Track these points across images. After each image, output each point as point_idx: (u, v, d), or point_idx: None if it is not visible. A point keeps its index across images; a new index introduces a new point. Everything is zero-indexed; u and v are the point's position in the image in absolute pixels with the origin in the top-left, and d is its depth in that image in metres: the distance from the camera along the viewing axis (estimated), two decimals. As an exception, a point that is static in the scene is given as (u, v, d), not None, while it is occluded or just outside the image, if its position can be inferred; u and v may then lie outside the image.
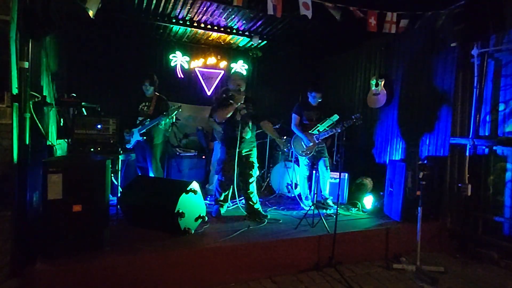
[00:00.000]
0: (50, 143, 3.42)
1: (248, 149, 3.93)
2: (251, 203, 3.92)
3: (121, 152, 3.69)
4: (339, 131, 4.19)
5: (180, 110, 4.20)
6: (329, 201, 4.52)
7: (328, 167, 4.54)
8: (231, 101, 3.70)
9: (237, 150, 3.77)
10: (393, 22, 3.82)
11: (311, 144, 4.40)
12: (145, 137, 4.28)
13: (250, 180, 3.92)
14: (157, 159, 4.40)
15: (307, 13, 3.49)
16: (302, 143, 4.48)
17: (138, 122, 4.35)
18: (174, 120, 4.46)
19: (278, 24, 5.10)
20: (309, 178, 4.59)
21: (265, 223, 3.71)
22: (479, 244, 3.74)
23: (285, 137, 5.38)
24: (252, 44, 5.92)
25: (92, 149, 3.50)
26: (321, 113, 4.54)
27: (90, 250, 2.70)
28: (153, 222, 3.32)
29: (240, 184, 3.97)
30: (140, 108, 4.40)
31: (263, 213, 3.93)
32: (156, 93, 4.46)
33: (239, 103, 3.71)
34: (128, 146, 4.39)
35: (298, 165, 5.06)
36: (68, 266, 2.51)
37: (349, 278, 3.10)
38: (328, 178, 4.58)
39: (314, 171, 4.44)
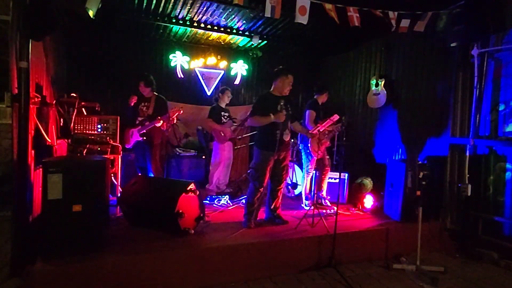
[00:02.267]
0: (50, 143, 3.42)
1: (285, 152, 3.71)
2: (275, 207, 3.77)
3: (122, 152, 3.69)
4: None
5: (181, 112, 4.21)
6: (326, 200, 4.50)
7: (328, 166, 4.50)
8: (272, 114, 3.44)
9: (275, 154, 3.52)
10: (394, 19, 3.81)
11: (322, 144, 4.28)
12: (144, 137, 4.28)
13: (282, 186, 3.78)
14: (156, 159, 4.40)
15: (302, 19, 3.47)
16: (317, 143, 4.27)
17: (137, 122, 4.35)
18: (175, 122, 4.45)
19: (278, 24, 5.10)
20: (312, 178, 4.55)
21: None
22: (479, 244, 3.74)
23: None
24: (252, 44, 5.91)
25: (91, 149, 3.49)
26: (324, 113, 4.42)
27: (90, 250, 2.70)
28: (153, 222, 3.32)
29: (271, 188, 3.75)
30: (140, 108, 4.40)
31: (283, 219, 3.78)
32: (155, 93, 4.46)
33: (280, 120, 3.44)
34: (128, 146, 4.40)
35: (299, 165, 5.06)
36: (68, 266, 2.51)
37: (349, 278, 3.10)
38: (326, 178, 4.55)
39: (314, 171, 4.43)
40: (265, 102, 3.62)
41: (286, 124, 3.62)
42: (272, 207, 3.77)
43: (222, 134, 4.96)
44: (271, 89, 3.71)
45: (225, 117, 5.05)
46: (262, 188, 3.58)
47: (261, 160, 3.57)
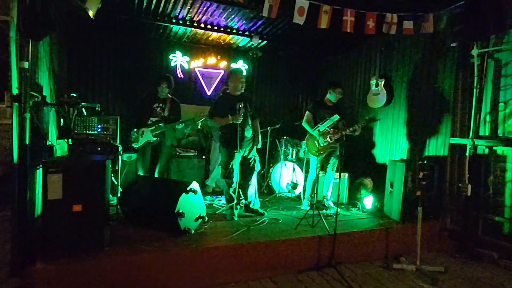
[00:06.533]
0: (50, 143, 3.42)
1: (249, 148, 3.94)
2: (246, 197, 4.02)
3: (122, 152, 3.68)
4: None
5: (206, 118, 4.24)
6: (330, 202, 4.49)
7: (334, 169, 4.45)
8: (230, 116, 3.69)
9: (240, 150, 3.77)
10: (393, 23, 3.82)
11: (326, 143, 4.27)
12: (157, 138, 4.28)
13: (251, 181, 3.98)
14: (165, 160, 4.41)
15: (299, 19, 3.48)
16: (316, 142, 4.25)
17: (150, 122, 4.32)
18: (199, 127, 4.50)
19: (278, 24, 5.09)
20: (317, 179, 4.49)
21: (265, 222, 3.72)
22: (479, 244, 3.75)
23: (285, 137, 5.40)
24: (252, 44, 5.91)
25: (91, 149, 3.49)
26: (336, 112, 4.24)
27: (90, 250, 2.70)
28: (153, 222, 3.33)
29: (241, 184, 3.95)
30: (153, 108, 4.37)
31: (261, 210, 4.03)
32: (169, 95, 4.45)
33: (236, 121, 3.68)
34: (136, 145, 4.35)
35: (299, 166, 5.06)
36: (68, 266, 2.51)
37: (349, 278, 3.10)
38: (332, 179, 4.54)
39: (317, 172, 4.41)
40: (223, 103, 3.84)
41: (246, 121, 3.83)
42: (244, 197, 4.02)
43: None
44: (228, 90, 3.91)
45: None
46: (234, 183, 3.82)
47: (226, 158, 3.83)
